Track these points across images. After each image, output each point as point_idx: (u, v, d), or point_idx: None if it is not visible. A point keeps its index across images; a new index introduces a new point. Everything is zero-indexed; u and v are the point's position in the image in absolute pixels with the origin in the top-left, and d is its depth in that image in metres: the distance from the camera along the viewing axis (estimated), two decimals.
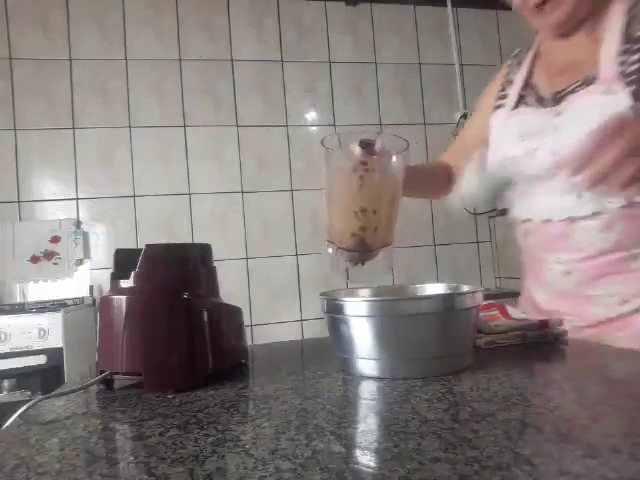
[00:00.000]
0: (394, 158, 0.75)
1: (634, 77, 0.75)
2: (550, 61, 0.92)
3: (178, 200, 2.52)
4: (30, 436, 0.49)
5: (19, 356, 1.83)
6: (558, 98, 0.85)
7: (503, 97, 0.99)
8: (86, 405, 0.61)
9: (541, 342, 0.78)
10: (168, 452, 0.43)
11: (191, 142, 2.55)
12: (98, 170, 2.45)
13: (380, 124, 2.78)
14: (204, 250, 0.74)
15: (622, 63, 0.76)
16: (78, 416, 0.55)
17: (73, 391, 0.63)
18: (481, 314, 0.79)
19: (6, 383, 1.83)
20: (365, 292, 0.81)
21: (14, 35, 2.40)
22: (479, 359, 0.68)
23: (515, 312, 0.86)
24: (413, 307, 0.63)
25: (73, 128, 2.44)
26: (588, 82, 0.80)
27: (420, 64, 2.85)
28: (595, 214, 0.80)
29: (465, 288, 0.72)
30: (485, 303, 0.84)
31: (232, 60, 2.62)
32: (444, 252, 2.77)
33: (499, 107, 0.99)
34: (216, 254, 0.75)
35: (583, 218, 0.81)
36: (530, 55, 0.97)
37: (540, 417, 0.45)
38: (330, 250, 0.77)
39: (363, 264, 0.77)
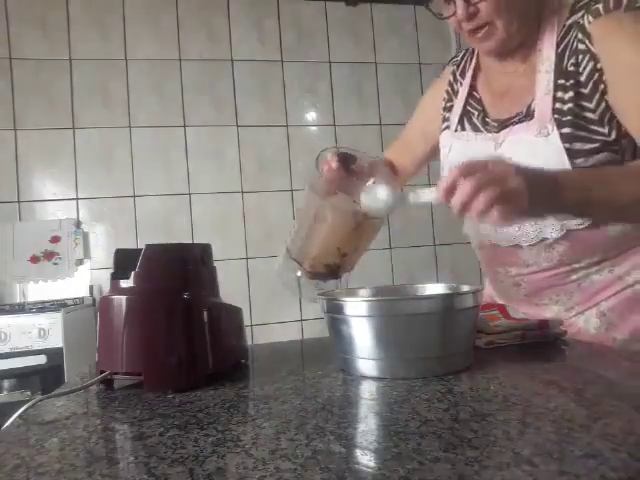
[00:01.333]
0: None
1: (567, 118, 0.77)
2: (491, 80, 0.93)
3: (178, 200, 2.52)
4: (30, 436, 0.49)
5: (19, 356, 1.82)
6: (500, 126, 0.87)
7: (449, 109, 1.00)
8: (86, 405, 0.61)
9: (541, 342, 0.78)
10: (168, 452, 0.43)
11: (191, 142, 2.55)
12: (98, 170, 2.45)
13: (380, 124, 2.77)
14: (204, 250, 0.74)
15: (557, 99, 0.78)
16: (78, 416, 0.55)
17: (73, 391, 0.63)
18: (481, 314, 0.79)
19: (6, 383, 1.83)
20: (365, 292, 0.81)
21: (14, 35, 2.40)
22: (479, 359, 0.68)
23: (515, 312, 0.86)
24: (413, 307, 0.63)
25: (73, 128, 2.44)
26: (528, 115, 0.82)
27: (420, 64, 2.85)
28: (539, 242, 0.85)
29: (465, 288, 0.72)
30: (485, 303, 0.84)
31: (232, 60, 2.62)
32: (444, 252, 2.77)
33: (446, 126, 1.00)
34: (216, 254, 0.75)
35: (528, 245, 0.87)
36: (471, 67, 0.97)
37: (540, 417, 0.45)
38: (299, 273, 0.78)
39: (324, 282, 0.79)
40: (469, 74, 0.97)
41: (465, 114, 0.95)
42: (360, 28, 2.79)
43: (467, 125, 0.95)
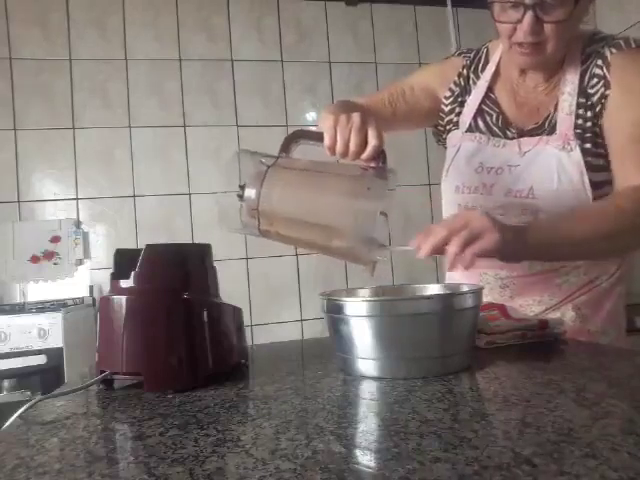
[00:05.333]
0: None
1: (588, 135, 0.83)
2: (511, 88, 0.93)
3: (178, 200, 2.52)
4: (30, 436, 0.49)
5: (19, 356, 1.82)
6: (520, 134, 0.89)
7: (460, 104, 0.98)
8: (86, 405, 0.61)
9: (541, 342, 0.78)
10: (168, 452, 0.43)
11: (191, 142, 2.55)
12: (98, 170, 2.45)
13: None
14: (204, 250, 0.74)
15: (578, 116, 0.84)
16: (78, 416, 0.55)
17: (73, 391, 0.63)
18: (481, 314, 0.79)
19: (6, 383, 1.83)
20: (365, 292, 0.81)
21: (14, 35, 2.40)
22: (479, 359, 0.68)
23: (515, 312, 0.86)
24: (413, 307, 0.63)
25: (73, 128, 2.43)
26: (550, 130, 0.86)
27: (420, 64, 2.84)
28: None
29: (465, 288, 0.72)
30: (485, 303, 0.84)
31: (232, 60, 2.62)
32: None
33: (454, 126, 0.99)
34: (216, 254, 0.75)
35: None
36: (489, 71, 0.95)
37: (540, 417, 0.45)
38: (248, 218, 0.70)
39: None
40: (486, 76, 0.95)
41: (480, 113, 0.95)
42: (360, 28, 2.79)
43: (481, 124, 0.94)
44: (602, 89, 0.82)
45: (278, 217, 0.71)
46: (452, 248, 0.66)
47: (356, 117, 0.71)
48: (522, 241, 0.72)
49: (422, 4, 2.81)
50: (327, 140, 0.73)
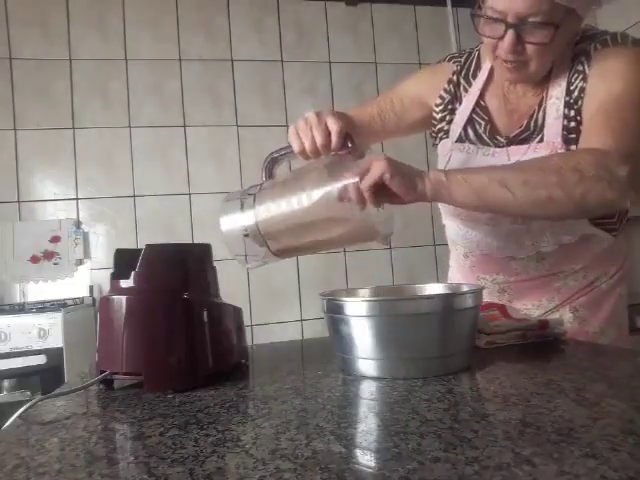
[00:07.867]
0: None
1: (572, 136, 0.81)
2: (503, 94, 0.91)
3: (178, 200, 2.52)
4: (30, 436, 0.49)
5: (19, 356, 1.82)
6: (509, 142, 0.88)
7: (451, 111, 0.96)
8: (86, 405, 0.61)
9: (541, 342, 0.78)
10: (168, 452, 0.43)
11: (191, 142, 2.55)
12: (98, 170, 2.45)
13: None
14: (204, 250, 0.74)
15: (564, 117, 0.82)
16: (78, 416, 0.55)
17: (73, 391, 0.63)
18: (481, 314, 0.79)
19: (6, 383, 1.83)
20: (365, 292, 0.81)
21: (14, 35, 2.40)
22: (479, 359, 0.68)
23: (515, 312, 0.86)
24: (413, 307, 0.63)
25: (73, 128, 2.43)
26: (536, 131, 0.84)
27: (420, 64, 2.84)
28: (533, 254, 0.91)
29: (465, 288, 0.72)
30: (485, 303, 0.84)
31: (232, 60, 2.62)
32: (444, 252, 2.76)
33: (444, 134, 0.98)
34: (216, 254, 0.75)
35: (521, 257, 0.91)
36: (481, 77, 0.94)
37: (540, 417, 0.45)
38: (260, 248, 0.73)
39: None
40: (477, 84, 0.93)
41: (470, 122, 0.93)
42: (360, 28, 2.79)
43: (471, 134, 0.92)
44: (581, 83, 0.80)
45: (282, 231, 0.72)
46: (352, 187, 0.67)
47: (311, 116, 0.77)
48: (420, 175, 0.71)
49: (422, 4, 2.81)
50: (295, 147, 0.78)
